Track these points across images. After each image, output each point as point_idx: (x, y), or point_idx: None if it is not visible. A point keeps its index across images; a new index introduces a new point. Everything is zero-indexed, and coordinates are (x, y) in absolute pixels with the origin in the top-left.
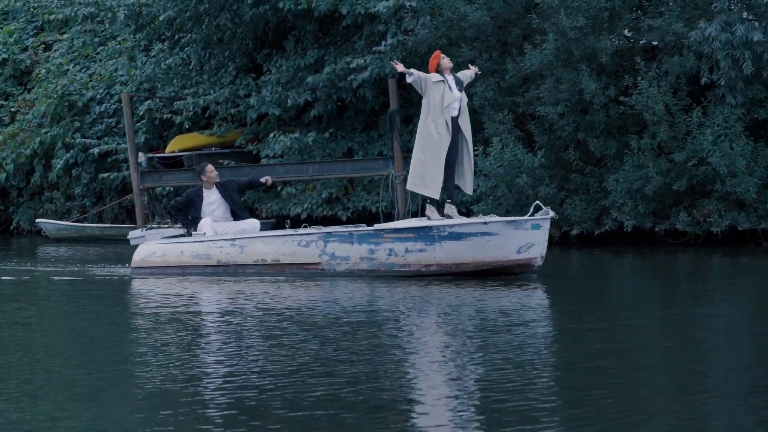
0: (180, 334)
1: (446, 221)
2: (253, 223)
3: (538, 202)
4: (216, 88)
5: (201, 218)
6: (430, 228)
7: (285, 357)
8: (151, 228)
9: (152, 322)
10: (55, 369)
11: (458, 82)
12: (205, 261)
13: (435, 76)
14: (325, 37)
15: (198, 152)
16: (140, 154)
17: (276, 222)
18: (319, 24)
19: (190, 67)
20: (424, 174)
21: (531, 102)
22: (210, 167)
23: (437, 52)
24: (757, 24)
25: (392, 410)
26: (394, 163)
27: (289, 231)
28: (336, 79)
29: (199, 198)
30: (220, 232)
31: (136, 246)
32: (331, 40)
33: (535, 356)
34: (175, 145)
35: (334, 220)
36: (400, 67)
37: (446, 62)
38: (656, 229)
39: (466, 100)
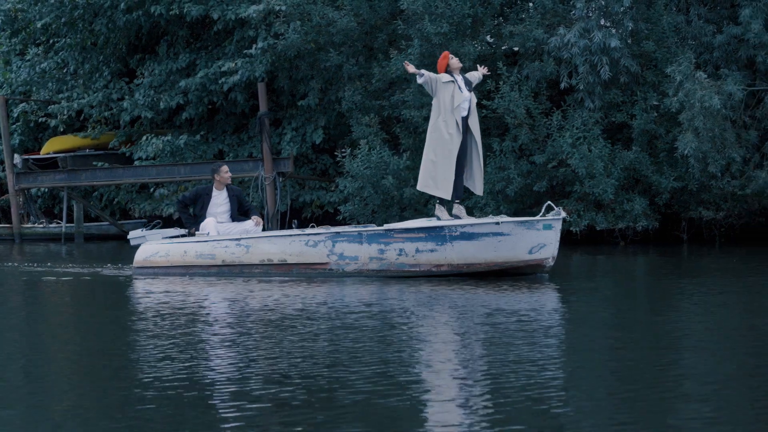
0: (187, 333)
1: (458, 221)
2: (254, 223)
3: (549, 202)
4: (90, 92)
5: (204, 217)
6: (441, 228)
7: (291, 356)
8: (152, 227)
9: (155, 323)
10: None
11: (467, 83)
12: (209, 261)
13: (445, 77)
14: (197, 42)
15: (72, 154)
16: (15, 155)
17: (148, 222)
18: (191, 29)
19: (65, 71)
20: (435, 174)
21: (397, 106)
22: (225, 168)
23: (446, 52)
24: (613, 31)
25: (402, 408)
26: (264, 164)
27: (296, 231)
28: (207, 83)
29: (208, 196)
30: (223, 232)
31: (136, 246)
32: (202, 45)
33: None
34: (50, 147)
35: None
36: (411, 69)
37: (455, 62)
38: None
39: (475, 100)
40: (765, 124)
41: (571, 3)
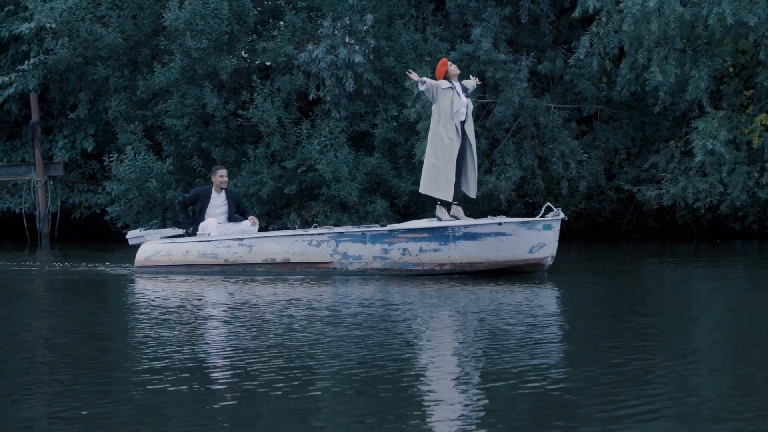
0: (185, 330)
1: (461, 222)
2: (251, 224)
3: (548, 204)
4: None
5: (203, 218)
6: (444, 228)
7: (293, 352)
8: (150, 227)
9: (158, 320)
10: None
11: (464, 89)
12: (212, 260)
13: (444, 83)
14: None
15: None
16: None
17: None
18: None
19: None
20: (437, 177)
21: (159, 115)
22: (220, 171)
23: (444, 59)
24: (357, 48)
25: (405, 406)
26: (36, 168)
27: (299, 231)
28: None
29: (207, 198)
30: (221, 232)
31: (136, 246)
32: None
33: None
34: None
35: None
36: (414, 77)
37: (454, 69)
38: (269, 228)
39: (472, 107)
40: (494, 133)
41: (318, 22)
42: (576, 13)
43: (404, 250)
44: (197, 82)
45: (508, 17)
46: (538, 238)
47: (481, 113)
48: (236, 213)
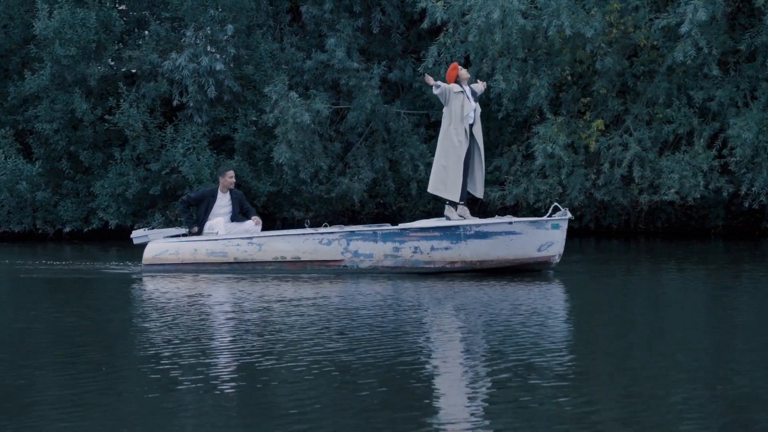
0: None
1: (472, 221)
2: (254, 223)
3: (555, 203)
4: None
5: (207, 218)
6: (456, 227)
7: (301, 348)
8: (154, 227)
9: (169, 316)
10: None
11: (473, 93)
12: (221, 258)
13: (456, 87)
14: None
15: None
16: None
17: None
18: None
19: None
20: (446, 178)
21: (30, 120)
22: (230, 173)
23: (454, 63)
24: (218, 56)
25: (412, 398)
26: None
27: (309, 230)
28: None
29: (213, 198)
30: (226, 232)
31: (141, 245)
32: None
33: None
34: None
35: None
36: (430, 80)
37: (464, 73)
38: (134, 227)
39: (480, 110)
40: (347, 137)
41: (181, 31)
42: (425, 25)
43: (416, 248)
44: (66, 88)
45: (361, 28)
46: (546, 236)
47: (335, 118)
48: (239, 213)
